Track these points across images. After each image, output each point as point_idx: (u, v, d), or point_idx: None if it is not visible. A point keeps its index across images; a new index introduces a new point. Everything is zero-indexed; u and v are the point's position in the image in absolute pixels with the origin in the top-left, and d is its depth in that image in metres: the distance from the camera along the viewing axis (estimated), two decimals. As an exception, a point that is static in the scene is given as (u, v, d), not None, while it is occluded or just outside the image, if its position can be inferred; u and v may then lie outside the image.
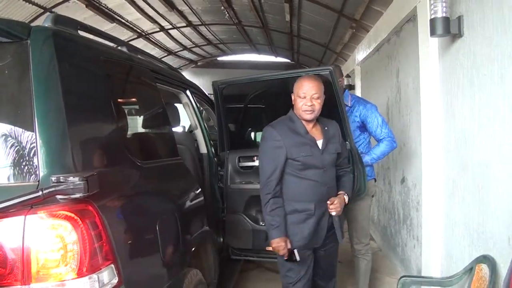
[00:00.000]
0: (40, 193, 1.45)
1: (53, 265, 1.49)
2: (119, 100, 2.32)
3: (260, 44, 12.61)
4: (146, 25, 9.41)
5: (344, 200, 2.89)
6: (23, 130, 1.68)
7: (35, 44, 1.80)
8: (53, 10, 7.16)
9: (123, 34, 9.34)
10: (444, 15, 2.93)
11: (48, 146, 1.63)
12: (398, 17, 4.48)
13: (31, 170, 1.61)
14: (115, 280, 1.64)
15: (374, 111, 3.66)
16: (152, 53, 9.87)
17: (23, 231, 1.48)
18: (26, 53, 1.77)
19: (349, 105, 3.69)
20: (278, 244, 2.73)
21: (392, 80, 5.08)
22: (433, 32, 2.99)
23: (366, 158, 3.59)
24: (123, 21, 8.67)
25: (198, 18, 9.58)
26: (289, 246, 2.74)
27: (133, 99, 2.84)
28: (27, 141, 1.65)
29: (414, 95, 4.04)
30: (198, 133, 3.79)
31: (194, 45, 12.14)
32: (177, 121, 3.50)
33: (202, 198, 2.95)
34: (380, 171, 5.74)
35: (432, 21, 2.97)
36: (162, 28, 9.78)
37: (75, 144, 1.73)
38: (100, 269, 1.58)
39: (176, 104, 3.67)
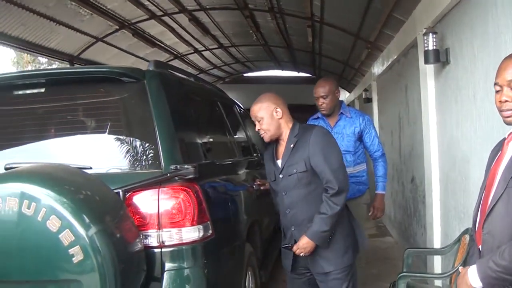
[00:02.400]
0: (168, 175, 2.39)
1: (175, 218, 2.40)
2: (199, 116, 3.28)
3: (283, 61, 13.59)
4: (182, 48, 10.46)
5: (306, 238, 2.64)
6: (150, 138, 2.59)
7: (149, 82, 2.72)
8: (104, 39, 8.23)
9: (162, 56, 10.42)
10: (434, 47, 3.83)
11: (165, 148, 2.54)
12: (404, 43, 5.38)
13: (157, 163, 2.52)
14: (209, 232, 2.53)
15: (371, 123, 3.91)
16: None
17: (158, 197, 2.39)
18: (144, 88, 2.69)
19: (349, 116, 3.83)
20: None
21: (402, 95, 5.96)
22: (426, 61, 3.90)
23: (381, 188, 3.84)
24: (162, 45, 9.73)
25: (229, 41, 10.60)
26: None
27: (206, 115, 3.76)
28: (153, 145, 2.57)
29: (418, 108, 4.91)
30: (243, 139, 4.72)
31: (223, 64, 13.19)
32: (235, 130, 4.40)
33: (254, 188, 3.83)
34: (395, 173, 6.63)
35: (426, 52, 3.87)
36: (196, 50, 10.83)
37: (180, 147, 2.66)
38: (202, 223, 2.47)
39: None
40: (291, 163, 2.72)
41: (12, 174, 2.15)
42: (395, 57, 6.07)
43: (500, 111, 1.80)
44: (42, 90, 2.79)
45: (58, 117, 2.81)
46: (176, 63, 11.23)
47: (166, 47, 9.98)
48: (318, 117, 3.96)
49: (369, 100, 9.17)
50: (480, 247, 1.91)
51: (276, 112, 2.77)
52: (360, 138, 3.85)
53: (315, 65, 12.75)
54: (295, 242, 2.70)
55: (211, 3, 7.86)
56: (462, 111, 3.55)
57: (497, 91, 1.81)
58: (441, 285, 3.73)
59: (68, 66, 8.14)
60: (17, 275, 2.03)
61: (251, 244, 3.57)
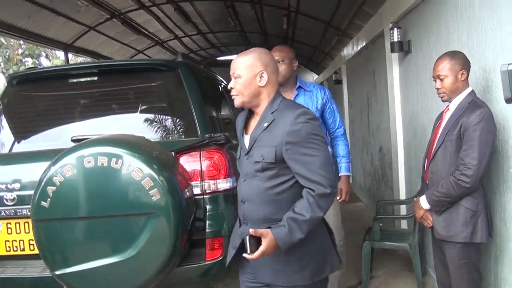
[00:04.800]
0: (206, 141, 3.18)
1: (212, 173, 3.17)
2: (213, 96, 4.08)
3: (256, 45, 14.30)
4: (163, 35, 11.10)
5: (274, 242, 2.02)
6: (187, 114, 3.34)
7: (182, 70, 3.49)
8: (95, 28, 8.82)
9: (144, 43, 11.08)
10: (399, 39, 4.72)
11: (200, 121, 3.31)
12: (373, 33, 6.27)
13: (195, 133, 3.28)
14: (235, 184, 3.25)
15: (332, 97, 3.59)
16: (164, 57, 11.64)
17: (200, 158, 3.15)
18: (179, 76, 3.44)
19: (309, 90, 3.49)
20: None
21: (370, 77, 6.89)
22: (392, 50, 4.81)
23: (345, 169, 3.60)
24: (146, 33, 10.35)
25: (208, 27, 11.29)
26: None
27: (218, 96, 4.53)
28: (190, 120, 3.33)
29: (385, 88, 5.82)
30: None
31: (199, 49, 13.87)
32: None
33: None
34: (364, 145, 7.60)
35: (392, 43, 4.77)
36: (176, 37, 11.48)
37: (209, 121, 3.45)
38: (230, 177, 3.24)
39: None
40: (258, 147, 2.18)
41: (101, 140, 2.88)
42: (364, 44, 6.96)
43: (438, 94, 2.85)
44: (95, 78, 3.55)
45: (111, 99, 3.57)
46: (156, 49, 11.89)
47: (149, 34, 10.60)
48: None
49: (339, 81, 10.08)
50: (427, 182, 2.95)
51: (260, 77, 2.20)
52: (321, 116, 3.49)
53: (286, 48, 13.50)
54: (251, 241, 2.01)
55: (196, -6, 8.56)
56: (421, 90, 4.45)
57: (434, 81, 2.83)
58: (407, 227, 4.69)
59: (115, 59, 8.75)
60: (110, 211, 2.75)
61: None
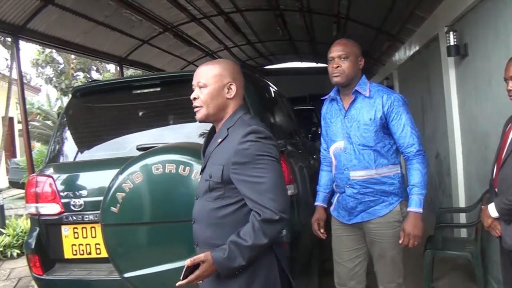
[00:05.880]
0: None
1: None
2: (270, 104, 4.14)
3: (304, 53, 14.38)
4: (213, 46, 11.32)
5: (212, 266, 1.86)
6: None
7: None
8: (149, 41, 9.10)
9: (194, 54, 11.36)
10: (455, 43, 4.65)
11: None
12: (426, 37, 6.20)
13: None
14: (296, 190, 3.33)
15: (402, 105, 2.78)
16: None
17: None
18: None
19: (368, 96, 2.79)
20: None
21: (424, 82, 6.77)
22: (449, 54, 4.74)
23: (415, 204, 2.69)
24: (197, 44, 10.58)
25: (256, 37, 11.43)
26: None
27: (274, 104, 4.58)
28: None
29: (441, 93, 5.71)
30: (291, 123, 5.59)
31: (248, 58, 14.03)
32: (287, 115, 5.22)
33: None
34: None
35: (448, 47, 4.69)
36: (225, 47, 11.68)
37: (269, 127, 3.49)
38: (290, 184, 3.23)
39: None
40: (210, 165, 2.05)
41: (169, 148, 2.97)
42: (417, 48, 6.87)
43: (509, 96, 2.67)
44: (158, 89, 3.68)
45: (171, 109, 3.68)
46: (206, 60, 12.09)
47: (200, 45, 10.83)
48: (329, 96, 2.99)
49: (390, 87, 9.94)
50: (496, 189, 2.76)
51: (228, 89, 2.06)
52: (386, 126, 2.78)
53: (335, 56, 13.47)
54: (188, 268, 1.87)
55: (246, 5, 8.68)
56: (480, 94, 4.35)
57: (506, 82, 2.67)
58: (466, 236, 4.58)
59: (178, 71, 9.01)
60: (177, 216, 2.81)
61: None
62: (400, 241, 2.72)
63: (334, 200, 3.03)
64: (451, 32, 4.66)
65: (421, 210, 2.69)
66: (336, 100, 2.91)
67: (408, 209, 2.71)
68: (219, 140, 2.03)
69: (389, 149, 2.80)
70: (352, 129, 2.79)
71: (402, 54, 8.12)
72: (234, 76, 2.09)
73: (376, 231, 2.82)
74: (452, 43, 4.64)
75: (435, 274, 4.39)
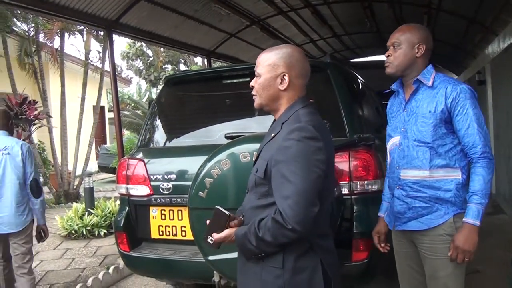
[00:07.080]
0: (355, 141, 3.21)
1: (361, 174, 3.17)
2: (359, 96, 4.10)
3: (391, 46, 13.97)
4: (299, 39, 11.30)
5: (233, 235, 1.97)
6: (336, 114, 3.38)
7: (331, 71, 3.57)
8: (236, 35, 9.29)
9: (279, 48, 11.37)
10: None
11: (349, 121, 3.36)
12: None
13: (343, 133, 3.32)
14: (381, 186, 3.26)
15: (470, 98, 2.42)
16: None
17: (349, 158, 3.17)
18: (328, 76, 3.51)
19: (429, 85, 2.51)
20: None
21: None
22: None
23: (472, 214, 2.34)
24: (282, 37, 10.64)
25: (343, 29, 11.28)
26: None
27: (364, 97, 4.48)
28: (339, 121, 3.36)
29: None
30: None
31: (334, 51, 13.87)
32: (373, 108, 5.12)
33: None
34: (510, 152, 7.04)
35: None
36: (311, 40, 11.63)
37: (357, 122, 3.48)
38: (378, 179, 3.21)
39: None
40: (259, 159, 2.04)
41: (257, 137, 2.94)
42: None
43: None
44: (247, 79, 3.76)
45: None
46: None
47: (286, 38, 10.87)
48: (392, 89, 2.77)
49: (482, 82, 9.46)
50: None
51: (282, 79, 2.00)
52: (449, 121, 2.45)
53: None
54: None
55: (333, -3, 8.60)
56: None
57: None
58: None
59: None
60: None
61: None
62: (449, 254, 2.38)
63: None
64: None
65: (478, 223, 2.33)
66: (398, 93, 2.71)
67: (464, 219, 2.37)
68: (272, 135, 2.00)
69: (450, 149, 2.45)
70: (410, 123, 2.54)
71: (496, 47, 7.68)
72: (290, 66, 2.01)
73: (427, 245, 2.51)
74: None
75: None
